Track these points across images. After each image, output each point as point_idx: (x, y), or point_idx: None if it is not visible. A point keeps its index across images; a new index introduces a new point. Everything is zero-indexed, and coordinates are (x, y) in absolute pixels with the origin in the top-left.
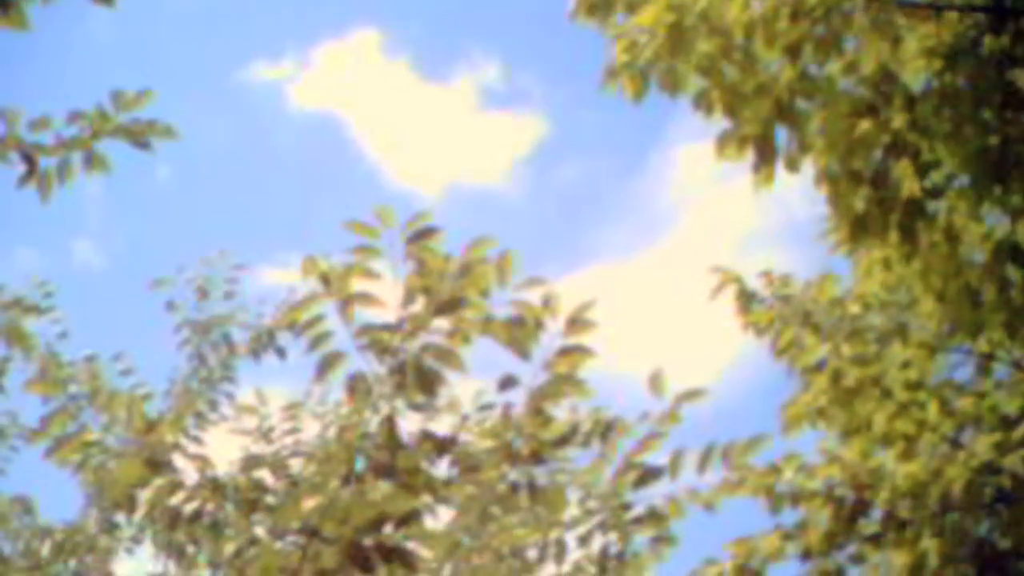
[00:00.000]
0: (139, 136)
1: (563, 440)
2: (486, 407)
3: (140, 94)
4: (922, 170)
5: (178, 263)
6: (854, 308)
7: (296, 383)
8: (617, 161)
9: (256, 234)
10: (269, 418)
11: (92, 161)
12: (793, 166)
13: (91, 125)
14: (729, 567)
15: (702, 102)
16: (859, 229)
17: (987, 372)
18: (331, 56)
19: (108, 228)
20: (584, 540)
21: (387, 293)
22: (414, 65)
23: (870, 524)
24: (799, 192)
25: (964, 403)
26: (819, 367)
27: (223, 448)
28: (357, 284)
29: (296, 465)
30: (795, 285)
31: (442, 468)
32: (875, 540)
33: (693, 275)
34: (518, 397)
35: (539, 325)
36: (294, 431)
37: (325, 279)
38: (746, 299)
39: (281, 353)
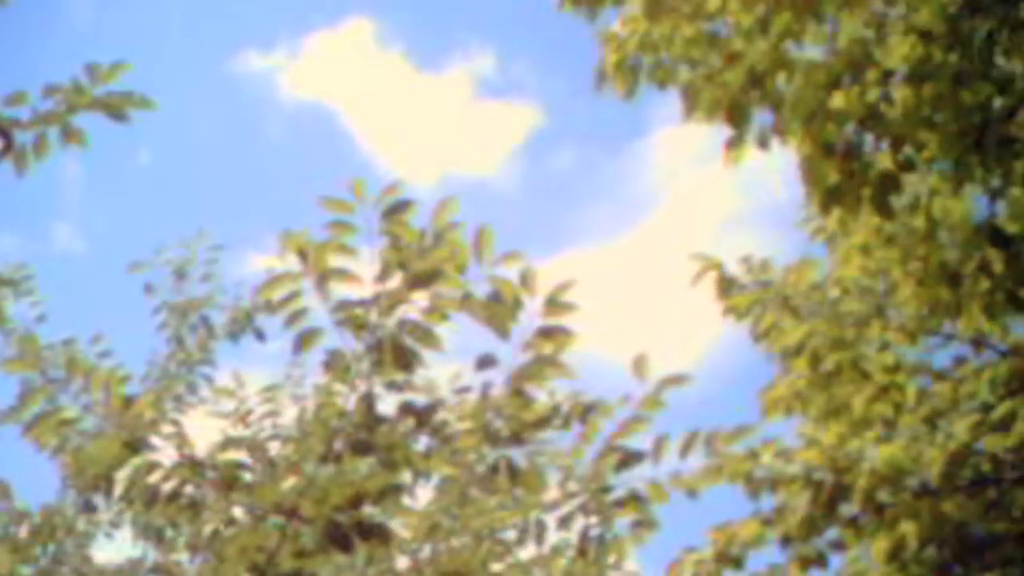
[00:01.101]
0: (116, 108)
1: (543, 421)
2: (464, 389)
3: (114, 66)
4: (895, 144)
5: (157, 246)
6: (833, 292)
7: (275, 367)
8: (608, 147)
9: (244, 221)
10: (247, 401)
11: (68, 135)
12: (765, 143)
13: (67, 99)
14: (710, 554)
15: (688, 92)
16: (831, 200)
17: (966, 358)
18: (324, 45)
19: (88, 212)
20: (565, 522)
21: (363, 269)
22: (408, 55)
23: (849, 508)
24: (779, 175)
25: (942, 387)
26: (798, 350)
27: (201, 431)
28: (333, 260)
29: (274, 447)
30: (775, 270)
31: (421, 444)
32: (853, 524)
33: (675, 258)
34: (497, 378)
35: (517, 303)
36: (272, 414)
37: (302, 254)
38: (726, 285)
39: (260, 335)
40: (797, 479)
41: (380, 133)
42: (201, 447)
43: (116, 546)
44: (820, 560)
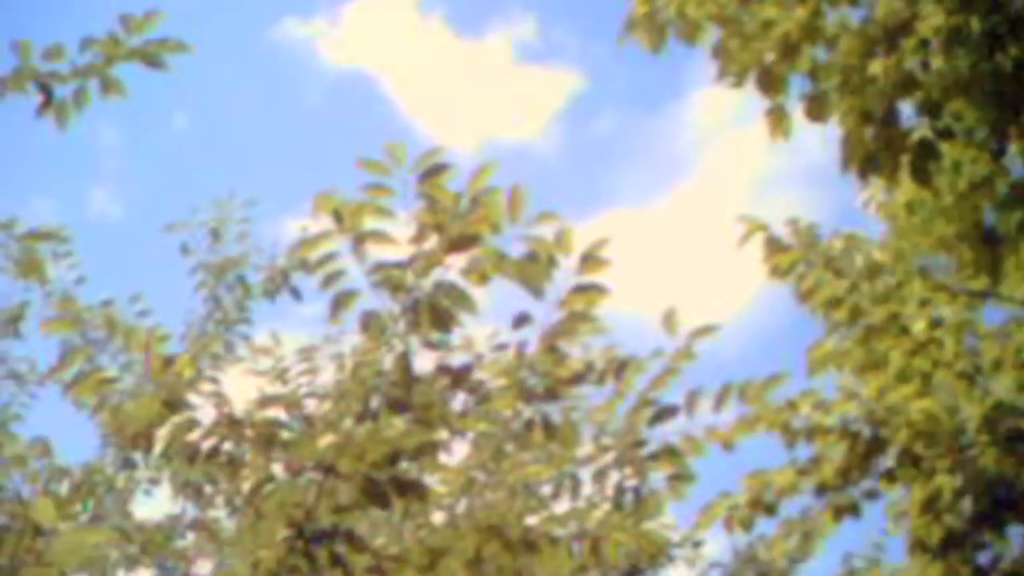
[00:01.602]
0: (153, 56)
1: (577, 377)
2: (500, 347)
3: (148, 14)
4: (933, 111)
5: (192, 207)
6: (877, 254)
7: (312, 327)
8: (648, 110)
9: (282, 187)
10: (284, 360)
11: (108, 87)
12: (817, 114)
13: (104, 51)
14: (743, 500)
15: (719, 52)
16: (869, 167)
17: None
18: (364, 12)
19: (125, 177)
20: (599, 476)
21: (400, 232)
22: (448, 21)
23: (885, 460)
24: (817, 135)
25: (989, 346)
26: (838, 304)
27: (239, 390)
28: (370, 222)
29: (311, 405)
30: (820, 235)
31: (457, 403)
32: (889, 475)
33: (713, 219)
34: (532, 336)
35: (552, 262)
36: (309, 372)
37: (337, 215)
38: (773, 246)
39: (296, 294)
40: (834, 430)
41: (421, 100)
42: (239, 405)
43: (155, 502)
44: (854, 509)
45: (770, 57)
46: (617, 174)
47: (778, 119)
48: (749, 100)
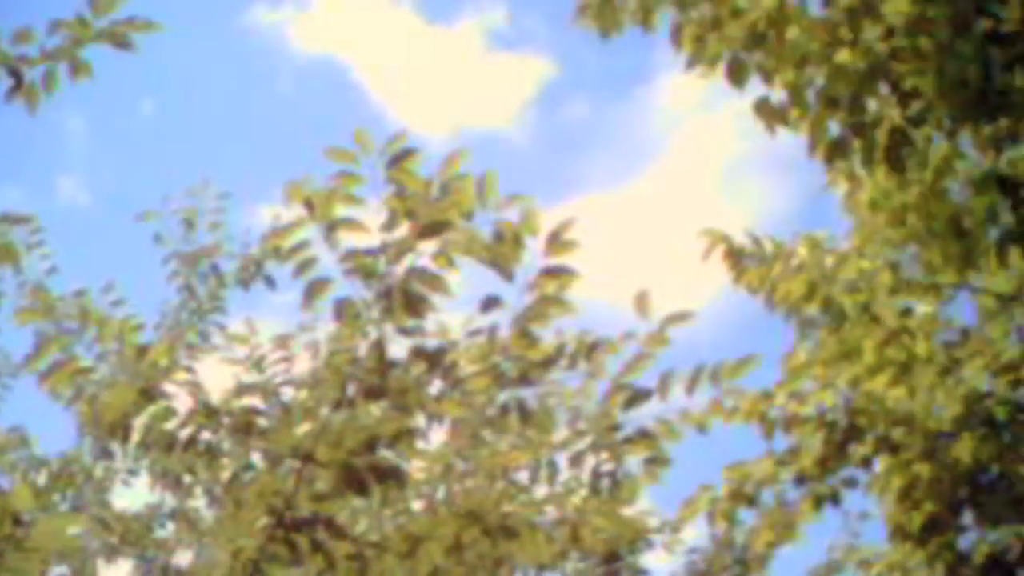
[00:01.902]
0: (121, 37)
1: (550, 361)
2: (474, 333)
3: None
4: (903, 99)
5: (164, 196)
6: (844, 245)
7: (286, 315)
8: (618, 96)
9: (252, 174)
10: (260, 348)
11: (76, 69)
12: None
13: (72, 33)
14: (723, 492)
15: (676, 36)
16: (835, 153)
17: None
18: None
19: (92, 165)
20: (575, 461)
21: (371, 219)
22: (419, 8)
23: (862, 448)
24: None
25: (968, 341)
26: (811, 295)
27: (214, 378)
28: (340, 210)
29: (288, 393)
30: (783, 242)
31: (432, 389)
32: (866, 463)
33: (681, 204)
34: (504, 320)
35: (519, 241)
36: (285, 360)
37: (308, 204)
38: (736, 257)
39: (270, 282)
40: (811, 420)
41: (392, 87)
42: (215, 394)
43: (134, 493)
44: (834, 497)
45: (738, 46)
46: (588, 160)
47: (769, 111)
48: (718, 85)
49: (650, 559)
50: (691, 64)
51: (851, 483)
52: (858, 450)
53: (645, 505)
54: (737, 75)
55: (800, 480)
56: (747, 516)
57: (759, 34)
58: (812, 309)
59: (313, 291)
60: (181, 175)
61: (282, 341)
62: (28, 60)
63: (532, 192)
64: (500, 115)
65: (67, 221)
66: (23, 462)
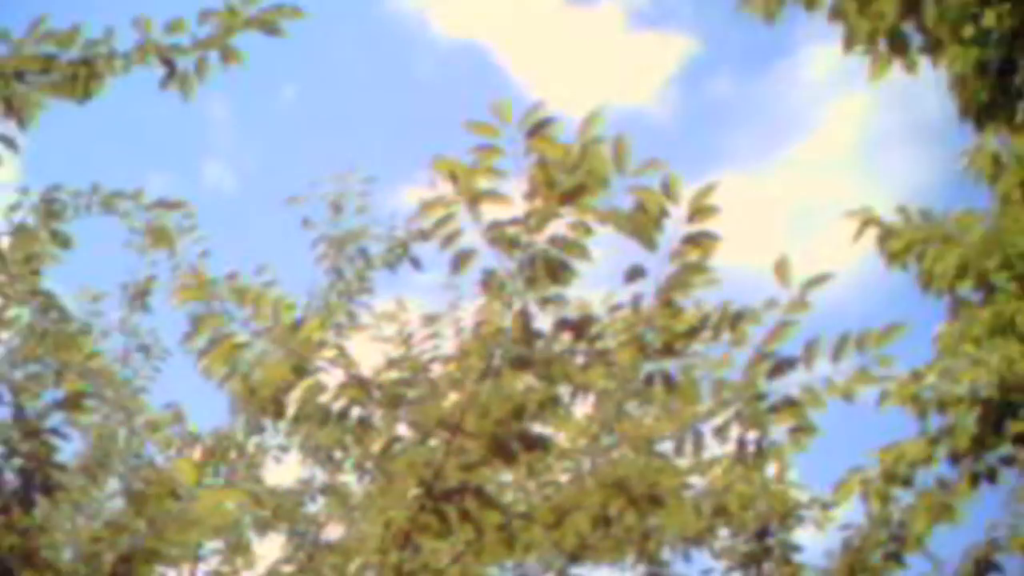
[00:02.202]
0: (270, 23)
1: (694, 331)
2: (615, 308)
3: None
4: None
5: (311, 180)
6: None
7: (432, 296)
8: (761, 71)
9: (394, 157)
10: (408, 325)
11: (227, 56)
12: (912, 66)
13: (222, 21)
14: (877, 473)
15: (837, 14)
16: (985, 118)
17: None
18: None
19: (236, 150)
20: (720, 431)
21: (512, 190)
22: None
23: (1018, 425)
24: (929, 91)
25: None
26: (964, 271)
27: (364, 357)
28: (482, 183)
29: (435, 368)
30: (935, 217)
31: (578, 360)
32: (1022, 440)
33: (827, 178)
34: (646, 290)
35: (662, 211)
36: (433, 337)
37: (453, 176)
38: (887, 238)
39: (416, 263)
40: (964, 399)
41: (533, 69)
42: (365, 370)
43: (285, 469)
44: (991, 475)
45: (892, 16)
46: (730, 136)
47: (880, 64)
48: (862, 58)
49: (801, 535)
50: (849, 42)
51: (1009, 461)
52: (1014, 427)
53: (793, 479)
54: (897, 46)
55: (955, 459)
56: (902, 495)
57: (912, 3)
58: (965, 286)
59: (460, 262)
60: (323, 160)
61: (430, 320)
62: (180, 49)
63: (675, 168)
64: (642, 93)
65: (213, 206)
66: (178, 438)
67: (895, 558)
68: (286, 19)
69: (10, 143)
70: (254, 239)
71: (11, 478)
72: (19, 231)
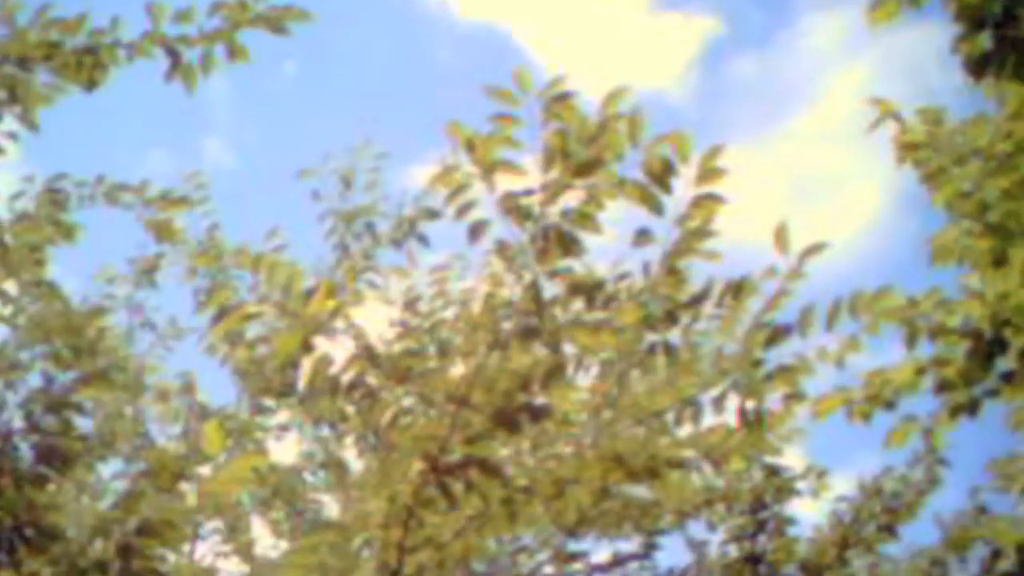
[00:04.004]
0: (277, 23)
1: (697, 300)
2: (623, 276)
3: None
4: None
5: (321, 155)
6: (1004, 147)
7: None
8: (765, 43)
9: (406, 136)
10: (416, 287)
11: (233, 51)
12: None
13: (231, 16)
14: (862, 396)
15: None
16: (982, 68)
17: None
18: None
19: (236, 127)
20: (718, 401)
21: (527, 161)
22: None
23: (1007, 362)
24: (932, 59)
25: None
26: (966, 197)
27: (371, 323)
28: (498, 152)
29: (444, 334)
30: (950, 121)
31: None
32: (1009, 378)
33: (830, 149)
34: (653, 257)
35: (669, 171)
36: (441, 295)
37: (470, 144)
38: (904, 129)
39: (423, 241)
40: (956, 331)
41: (554, 51)
42: (373, 338)
43: (285, 448)
44: (973, 406)
45: None
46: (735, 110)
47: (881, 6)
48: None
49: (796, 507)
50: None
51: (994, 394)
52: (1003, 363)
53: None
54: None
55: (941, 390)
56: (897, 463)
57: None
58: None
59: (475, 232)
60: (326, 138)
61: (438, 274)
62: (186, 40)
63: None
64: (664, 75)
65: (213, 183)
66: (188, 410)
67: (888, 530)
68: (293, 21)
69: (13, 136)
70: (254, 216)
71: (26, 453)
72: (22, 220)
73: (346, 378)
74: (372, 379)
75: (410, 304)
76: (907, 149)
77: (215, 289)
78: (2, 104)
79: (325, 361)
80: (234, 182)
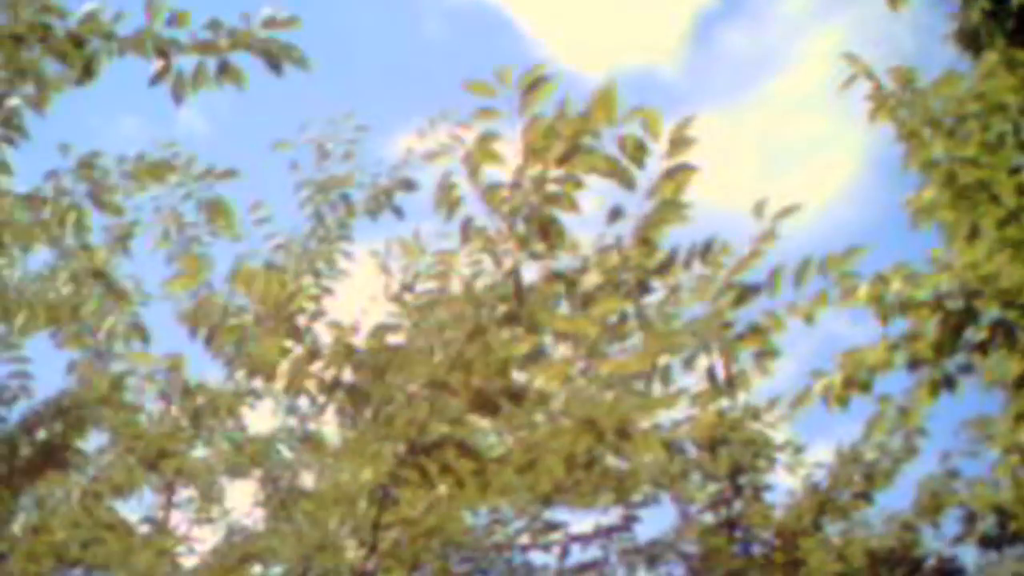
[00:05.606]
0: (274, 57)
1: (665, 265)
2: (605, 249)
3: (288, 19)
4: None
5: (298, 124)
6: (974, 107)
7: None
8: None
9: (387, 107)
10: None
11: (225, 72)
12: None
13: (230, 35)
14: (837, 379)
15: None
16: (972, 41)
17: None
18: None
19: (210, 93)
20: (688, 362)
21: (508, 150)
22: None
23: (979, 331)
24: (907, 28)
25: None
26: (935, 166)
27: (349, 302)
28: (480, 143)
29: (425, 317)
30: (922, 81)
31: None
32: (982, 347)
33: (803, 117)
34: (627, 231)
35: (641, 147)
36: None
37: (453, 134)
38: (875, 89)
39: (398, 213)
40: (927, 304)
41: (546, 26)
42: (349, 319)
43: (260, 416)
44: (950, 383)
45: None
46: (723, 80)
47: None
48: None
49: (773, 475)
50: None
51: (968, 369)
52: (974, 335)
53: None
54: None
55: (914, 365)
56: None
57: None
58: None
59: (464, 231)
60: (306, 108)
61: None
62: (178, 45)
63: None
64: (656, 50)
65: (187, 149)
66: (173, 389)
67: (864, 496)
68: (290, 62)
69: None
70: (228, 185)
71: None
72: (59, 195)
73: (328, 375)
74: (352, 376)
75: (407, 286)
76: (880, 106)
77: (204, 304)
78: (14, 84)
79: (305, 360)
80: (209, 152)
